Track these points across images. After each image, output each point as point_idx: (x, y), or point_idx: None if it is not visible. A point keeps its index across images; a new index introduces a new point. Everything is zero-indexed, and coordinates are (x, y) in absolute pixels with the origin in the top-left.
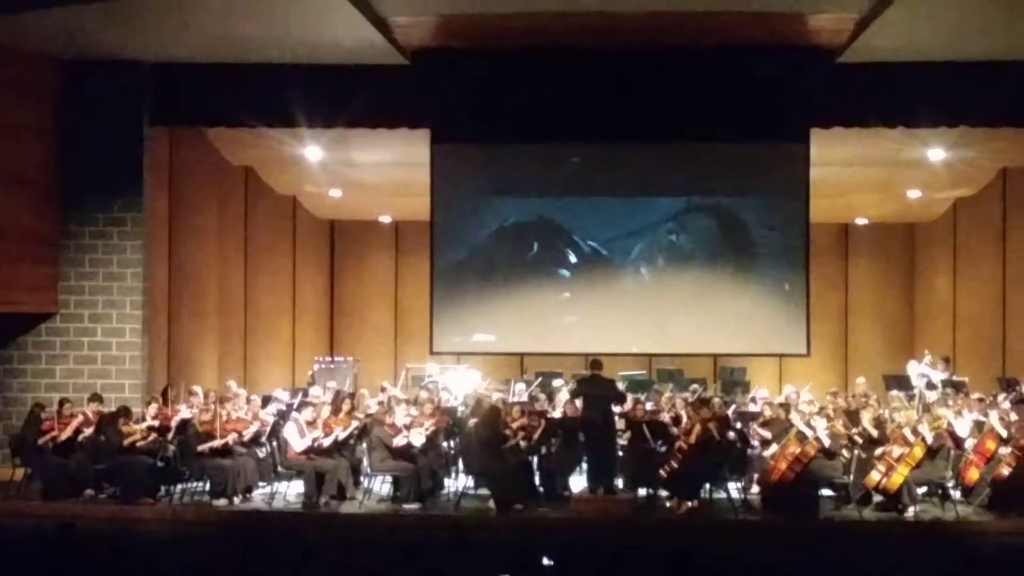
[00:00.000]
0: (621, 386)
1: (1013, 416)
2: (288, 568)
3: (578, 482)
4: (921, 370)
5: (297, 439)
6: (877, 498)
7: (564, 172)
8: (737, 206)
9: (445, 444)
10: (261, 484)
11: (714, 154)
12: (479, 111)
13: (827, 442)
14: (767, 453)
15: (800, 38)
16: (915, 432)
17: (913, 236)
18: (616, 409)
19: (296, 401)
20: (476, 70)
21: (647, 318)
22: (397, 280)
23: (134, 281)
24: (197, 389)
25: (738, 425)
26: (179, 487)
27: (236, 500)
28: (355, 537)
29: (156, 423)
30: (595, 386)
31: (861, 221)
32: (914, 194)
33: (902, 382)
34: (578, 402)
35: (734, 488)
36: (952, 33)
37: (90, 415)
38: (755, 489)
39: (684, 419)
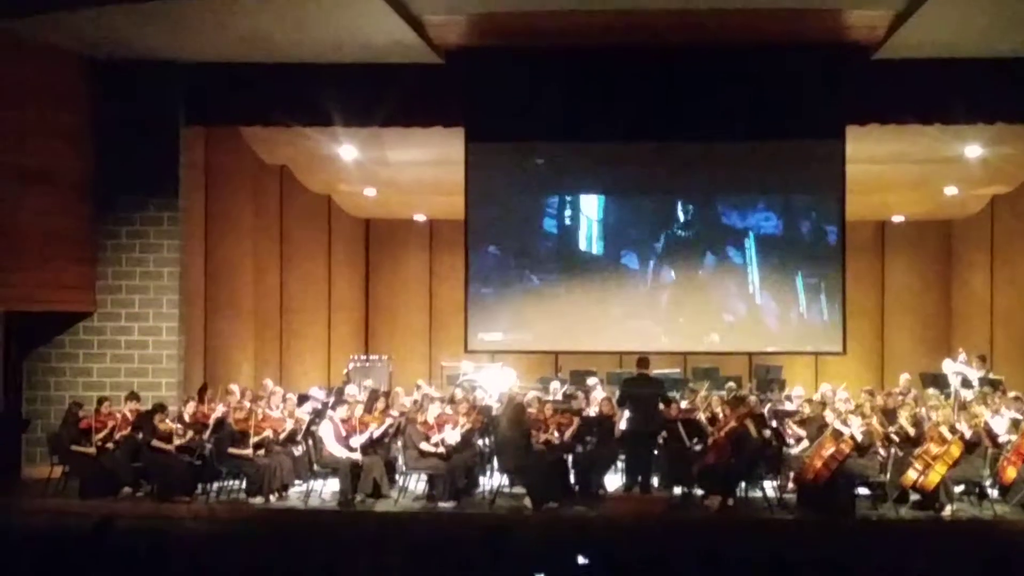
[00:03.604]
0: None
1: None
2: (324, 566)
3: (613, 480)
4: (956, 368)
5: (332, 441)
6: (914, 497)
7: (597, 170)
8: (773, 204)
9: (480, 442)
10: (297, 482)
11: (749, 152)
12: (513, 109)
13: (860, 437)
14: (797, 450)
15: (836, 35)
16: (952, 430)
17: (950, 233)
18: None
19: (331, 400)
20: (510, 68)
21: (681, 316)
22: (432, 278)
23: (171, 280)
24: (234, 388)
25: (774, 423)
26: (215, 485)
27: (272, 498)
28: (390, 535)
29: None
30: (642, 385)
31: (897, 218)
32: (951, 191)
33: (938, 380)
34: (615, 398)
35: (770, 487)
36: (989, 28)
37: (128, 415)
38: (791, 487)
39: (721, 417)
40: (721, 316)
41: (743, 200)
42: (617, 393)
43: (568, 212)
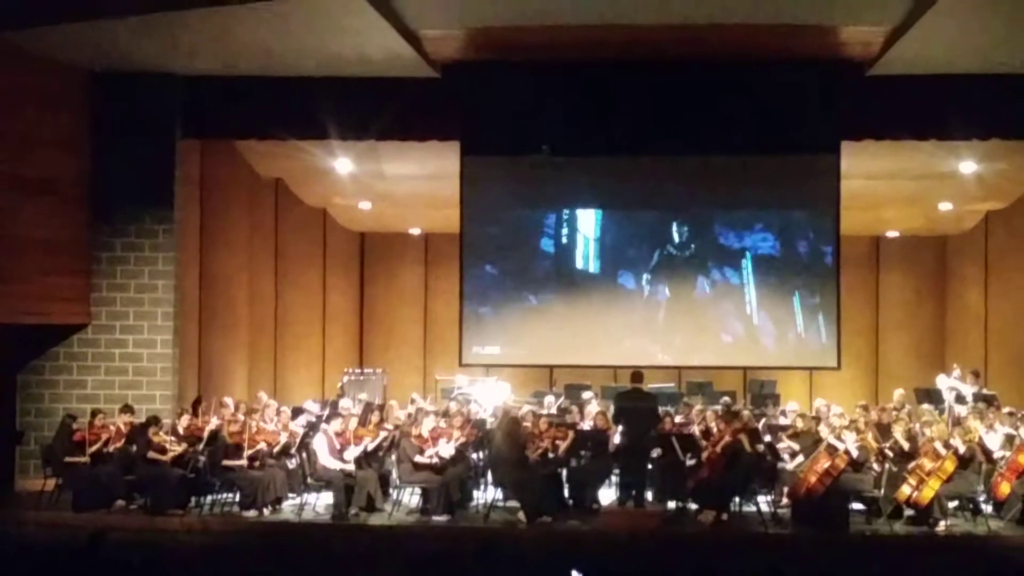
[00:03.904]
0: None
1: None
2: None
3: (607, 494)
4: (950, 384)
5: (326, 454)
6: (908, 512)
7: (592, 185)
8: (770, 224)
9: (474, 456)
10: (291, 495)
11: (745, 167)
12: (509, 123)
13: (855, 453)
14: (791, 465)
15: (831, 50)
16: (946, 445)
17: (944, 249)
18: None
19: (326, 413)
20: (506, 82)
21: (679, 336)
22: (427, 292)
23: (165, 292)
24: (228, 400)
25: (768, 438)
26: (209, 498)
27: (266, 511)
28: (384, 549)
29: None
30: (637, 400)
31: (892, 234)
32: (945, 207)
33: (932, 396)
34: (609, 413)
35: (764, 501)
36: (983, 45)
37: (121, 427)
38: (785, 502)
39: (715, 432)
40: (719, 336)
41: (740, 220)
42: (612, 407)
43: (565, 231)
